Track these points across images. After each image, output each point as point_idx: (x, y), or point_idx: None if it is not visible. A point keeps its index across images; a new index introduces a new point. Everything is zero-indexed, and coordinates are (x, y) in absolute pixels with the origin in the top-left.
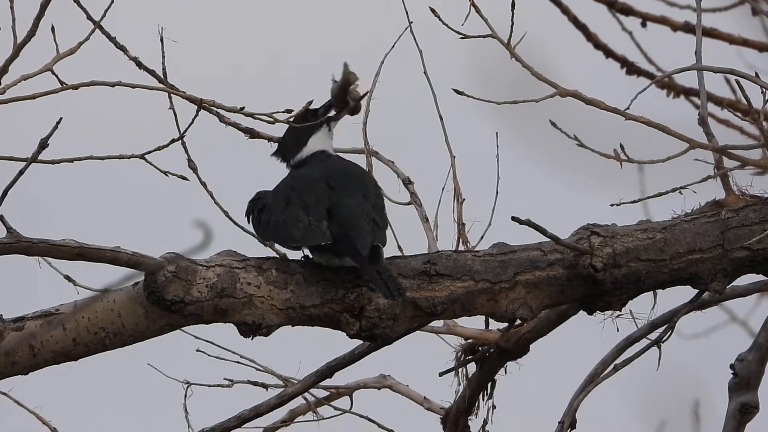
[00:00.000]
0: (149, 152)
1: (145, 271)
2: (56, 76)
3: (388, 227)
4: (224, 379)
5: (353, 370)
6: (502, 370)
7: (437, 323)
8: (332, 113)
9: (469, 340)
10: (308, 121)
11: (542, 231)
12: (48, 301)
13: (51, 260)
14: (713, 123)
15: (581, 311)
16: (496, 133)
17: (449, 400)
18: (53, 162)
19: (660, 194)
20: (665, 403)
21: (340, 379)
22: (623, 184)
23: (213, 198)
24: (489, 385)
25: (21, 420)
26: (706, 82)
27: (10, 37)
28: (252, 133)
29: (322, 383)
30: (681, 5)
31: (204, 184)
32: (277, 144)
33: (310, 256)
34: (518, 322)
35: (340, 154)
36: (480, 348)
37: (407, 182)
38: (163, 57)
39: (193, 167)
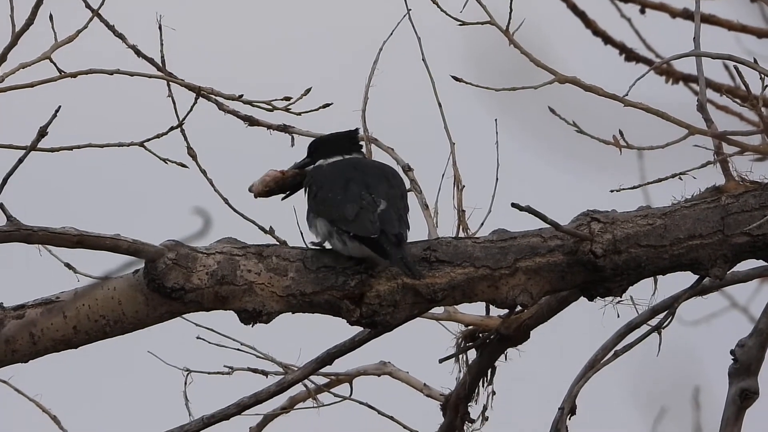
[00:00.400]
0: (148, 140)
1: (146, 259)
2: (55, 65)
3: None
4: (224, 366)
5: (353, 357)
6: (503, 356)
7: (437, 310)
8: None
9: (470, 327)
10: (354, 141)
11: (542, 217)
12: (48, 289)
13: (51, 248)
14: (712, 109)
15: (582, 297)
16: (496, 119)
17: (449, 387)
18: (52, 150)
19: (660, 180)
20: (665, 388)
21: (340, 366)
22: (623, 170)
23: (212, 185)
24: (489, 371)
25: (21, 408)
26: (705, 68)
27: (8, 25)
28: (251, 121)
29: (322, 370)
30: None
31: (203, 172)
32: (314, 144)
33: (323, 244)
34: (519, 308)
35: None
36: (480, 334)
37: (407, 169)
38: (162, 45)
39: (192, 155)
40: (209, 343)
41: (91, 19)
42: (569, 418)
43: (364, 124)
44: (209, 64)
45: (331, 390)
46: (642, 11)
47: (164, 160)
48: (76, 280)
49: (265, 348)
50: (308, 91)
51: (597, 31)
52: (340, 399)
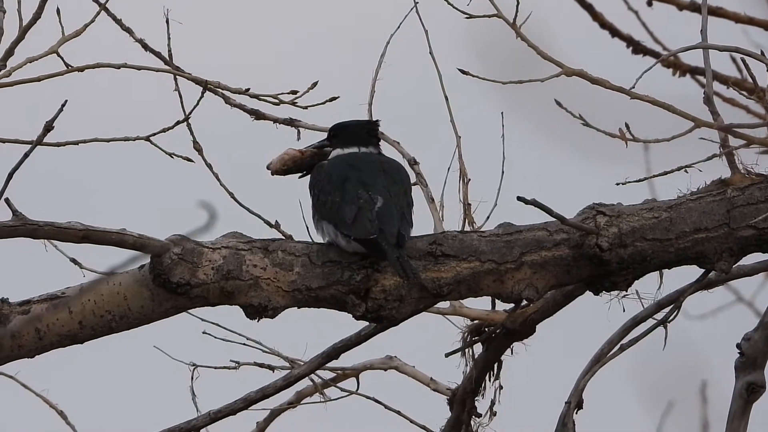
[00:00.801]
0: (154, 134)
1: (151, 254)
2: (62, 59)
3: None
4: (231, 361)
5: (359, 352)
6: (509, 350)
7: (443, 304)
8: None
9: (476, 321)
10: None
11: (548, 211)
12: (54, 284)
13: (57, 243)
14: (719, 102)
15: (587, 291)
16: (502, 112)
17: (456, 381)
18: (58, 144)
19: (665, 173)
20: (672, 382)
21: (346, 360)
22: (629, 163)
23: (218, 179)
24: (495, 365)
25: (28, 403)
26: (711, 60)
27: (15, 19)
28: (257, 115)
29: (329, 365)
30: None
31: (209, 166)
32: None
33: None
34: (524, 302)
35: None
36: (486, 329)
37: (413, 163)
38: (169, 39)
39: (198, 149)
40: (215, 338)
41: (98, 13)
42: (576, 412)
43: (370, 118)
44: (216, 57)
45: (338, 384)
46: (649, 4)
47: (170, 155)
48: (82, 275)
49: (272, 343)
50: (315, 84)
51: (604, 24)
52: (347, 393)
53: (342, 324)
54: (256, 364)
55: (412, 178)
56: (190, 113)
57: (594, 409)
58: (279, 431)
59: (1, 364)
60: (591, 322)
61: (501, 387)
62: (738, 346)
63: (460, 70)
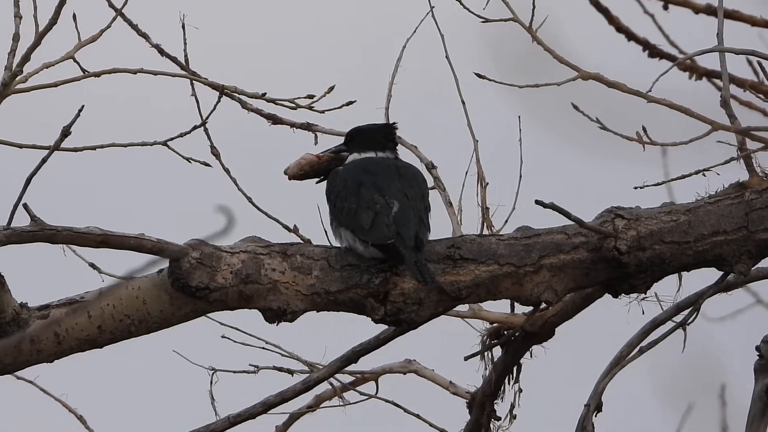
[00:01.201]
0: (172, 139)
1: (170, 258)
2: (78, 64)
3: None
4: (250, 365)
5: (378, 355)
6: (528, 353)
7: (462, 307)
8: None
9: (494, 324)
10: (389, 138)
11: (566, 214)
12: (73, 289)
13: (75, 248)
14: (735, 105)
15: (606, 294)
16: (519, 116)
17: (475, 385)
18: (76, 150)
19: (683, 176)
20: (691, 385)
21: (365, 364)
22: (646, 166)
23: (236, 184)
24: (515, 368)
25: (47, 408)
26: (728, 63)
27: (32, 25)
28: (274, 119)
29: (348, 368)
30: None
31: (227, 170)
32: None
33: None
34: (543, 305)
35: None
36: (505, 332)
37: (430, 167)
38: (185, 44)
39: (215, 153)
40: (234, 342)
41: (114, 19)
42: (595, 415)
43: (388, 121)
44: (232, 62)
45: (357, 388)
46: (665, 7)
47: (188, 159)
48: (101, 279)
49: (291, 346)
50: (332, 89)
51: (620, 28)
52: (366, 397)
53: (361, 327)
54: (275, 368)
55: (430, 182)
56: (207, 118)
57: (613, 412)
58: None
59: (21, 369)
60: (610, 325)
61: (520, 390)
62: (757, 348)
63: (476, 74)
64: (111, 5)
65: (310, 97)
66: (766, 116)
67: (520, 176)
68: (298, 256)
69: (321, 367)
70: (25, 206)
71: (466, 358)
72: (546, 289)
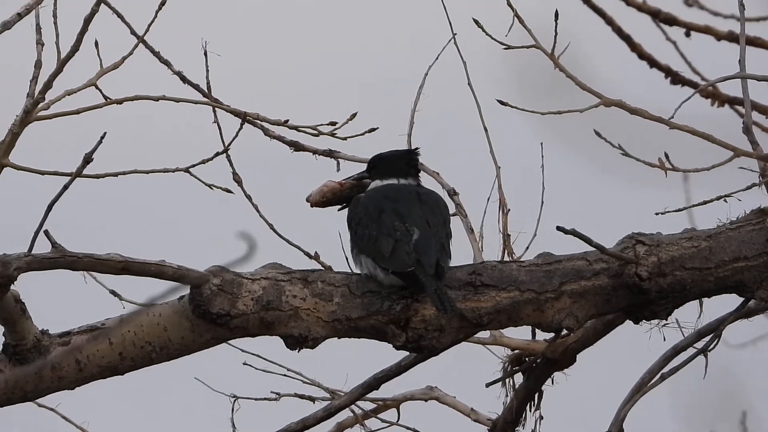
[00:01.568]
0: (194, 165)
1: (191, 285)
2: (100, 91)
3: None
4: (271, 392)
5: (400, 382)
6: (549, 380)
7: (483, 334)
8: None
9: (516, 351)
10: (412, 164)
11: (587, 240)
12: (94, 316)
13: (96, 275)
14: (758, 131)
15: (627, 320)
16: (541, 143)
17: (496, 411)
18: (98, 176)
19: (705, 202)
20: (712, 411)
21: (387, 391)
22: (668, 192)
23: (258, 211)
24: (536, 395)
25: None
26: (750, 90)
27: (54, 52)
28: (297, 146)
29: (369, 395)
30: (725, 14)
31: (249, 197)
32: (374, 160)
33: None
34: (564, 332)
35: None
36: (527, 358)
37: (452, 193)
38: (207, 71)
39: (237, 180)
40: (256, 368)
41: (136, 46)
42: None
43: (410, 148)
44: (255, 89)
45: (379, 415)
46: (687, 34)
47: (210, 186)
48: (122, 306)
49: (312, 373)
50: (354, 115)
51: (642, 54)
52: (388, 424)
53: (382, 354)
54: (296, 395)
55: (452, 209)
56: (230, 145)
57: None
58: None
59: (42, 396)
60: (631, 352)
61: (542, 417)
62: None
63: (499, 101)
64: (133, 32)
65: (333, 123)
66: None
67: (542, 202)
68: (319, 283)
69: (342, 394)
70: (47, 233)
71: (487, 385)
72: (567, 315)
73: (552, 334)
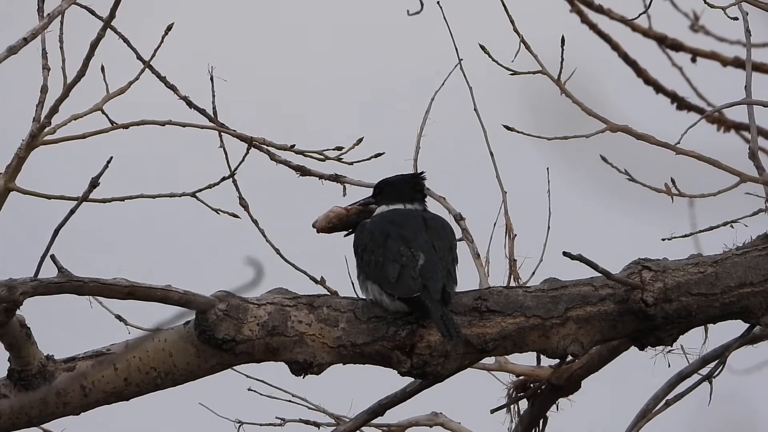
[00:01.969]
0: (200, 190)
1: (196, 310)
2: (106, 116)
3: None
4: (276, 417)
5: (405, 408)
6: (554, 406)
7: (488, 360)
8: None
9: (521, 377)
10: (417, 189)
11: (593, 266)
12: (99, 341)
13: (102, 299)
14: (764, 157)
15: (632, 347)
16: (547, 168)
17: None
18: (104, 201)
19: (711, 228)
20: None
21: (392, 417)
22: (674, 218)
23: (264, 235)
24: (541, 422)
25: None
26: (756, 116)
27: (60, 77)
28: (303, 171)
29: (374, 421)
30: (731, 40)
31: (255, 222)
32: (380, 185)
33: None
34: (569, 358)
35: None
36: (531, 384)
37: (459, 218)
38: (213, 96)
39: (244, 205)
40: (261, 394)
41: (142, 71)
42: None
43: (416, 173)
44: (261, 114)
45: None
46: (693, 60)
47: (216, 211)
48: (127, 332)
49: (317, 399)
50: (360, 140)
51: (648, 80)
52: None
53: (387, 380)
54: (301, 420)
55: (458, 234)
56: (236, 169)
57: None
58: None
59: (47, 422)
60: (636, 378)
61: None
62: None
63: (505, 126)
64: (139, 57)
65: (339, 148)
66: None
67: (548, 228)
68: (324, 308)
69: (347, 419)
70: (53, 257)
71: (492, 411)
72: (572, 341)
73: (557, 360)
